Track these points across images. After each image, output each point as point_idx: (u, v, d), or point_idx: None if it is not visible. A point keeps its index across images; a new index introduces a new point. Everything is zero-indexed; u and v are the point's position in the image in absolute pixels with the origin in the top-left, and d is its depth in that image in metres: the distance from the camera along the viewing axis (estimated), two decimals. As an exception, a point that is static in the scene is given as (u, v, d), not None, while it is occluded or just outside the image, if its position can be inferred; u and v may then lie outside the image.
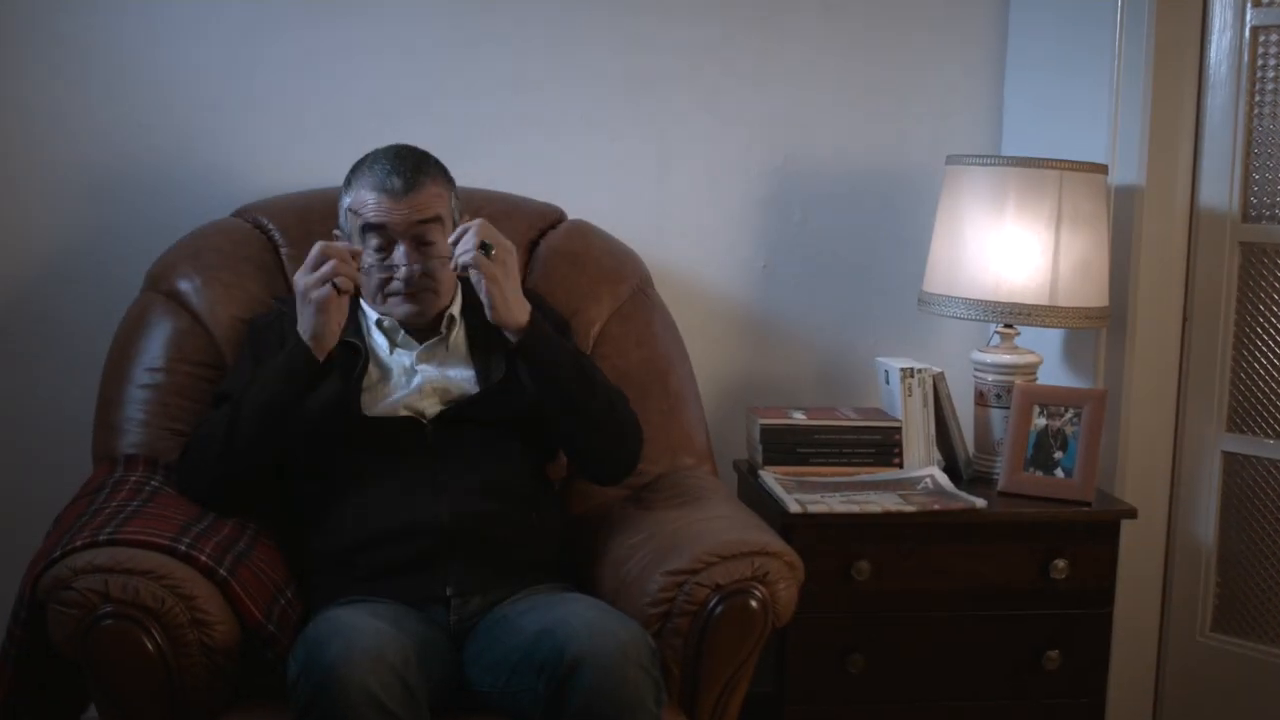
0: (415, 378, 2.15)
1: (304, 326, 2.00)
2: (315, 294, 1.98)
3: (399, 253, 2.09)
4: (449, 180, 2.17)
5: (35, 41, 2.50)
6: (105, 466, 2.19)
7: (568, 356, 2.11)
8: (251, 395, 2.02)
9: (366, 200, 2.10)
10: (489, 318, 2.04)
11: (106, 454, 2.22)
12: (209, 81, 2.57)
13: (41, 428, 2.56)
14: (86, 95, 2.53)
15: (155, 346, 2.27)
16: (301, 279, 2.00)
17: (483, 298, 2.02)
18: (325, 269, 1.97)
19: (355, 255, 2.02)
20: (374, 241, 2.09)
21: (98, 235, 2.56)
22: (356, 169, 2.14)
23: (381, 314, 2.16)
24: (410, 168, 2.10)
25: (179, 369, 2.26)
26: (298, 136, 2.59)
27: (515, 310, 2.04)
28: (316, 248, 2.00)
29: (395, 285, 2.11)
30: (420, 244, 2.10)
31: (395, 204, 2.08)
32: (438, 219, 2.11)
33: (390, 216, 2.08)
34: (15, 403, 2.57)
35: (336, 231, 2.18)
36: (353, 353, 2.11)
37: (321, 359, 2.01)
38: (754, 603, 1.94)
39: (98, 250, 2.56)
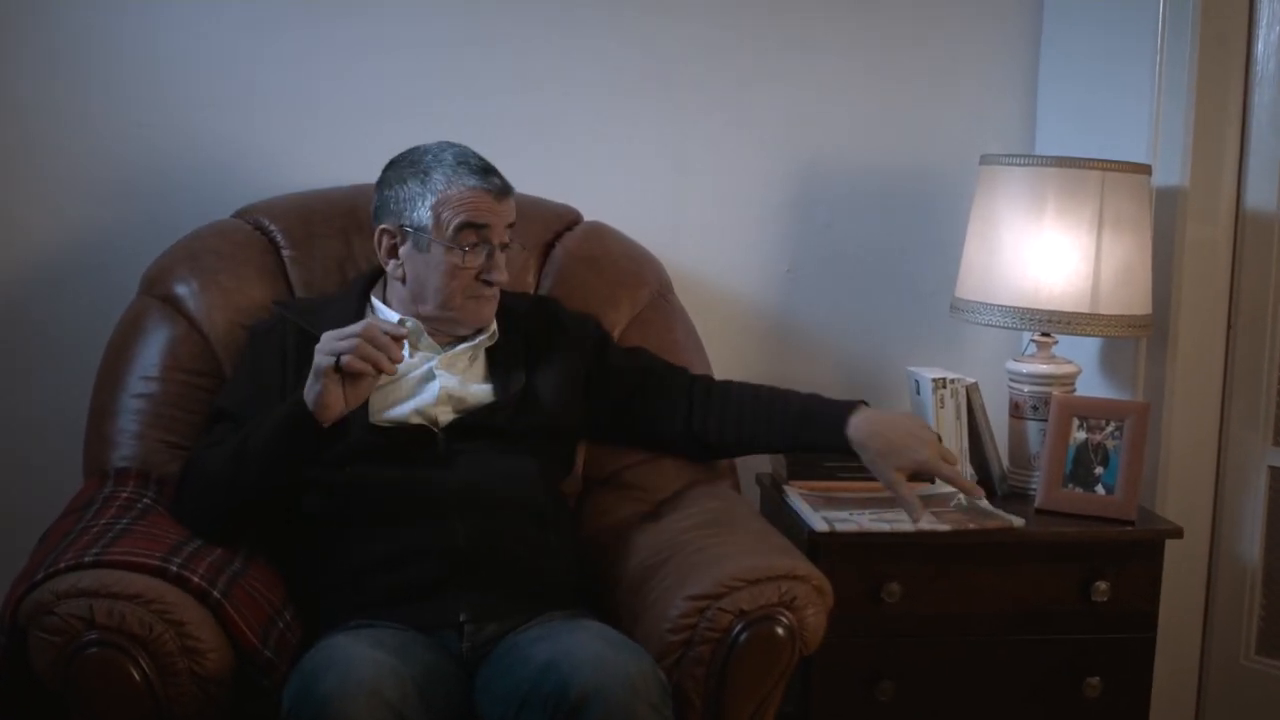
0: (431, 383, 2.06)
1: (306, 388, 1.85)
2: (318, 357, 1.83)
3: (496, 257, 2.04)
4: None
5: (32, 38, 2.44)
6: (95, 480, 2.11)
7: None
8: (255, 445, 1.88)
9: (470, 197, 2.02)
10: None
11: (97, 467, 2.14)
12: (208, 79, 2.49)
13: (35, 437, 2.50)
14: (84, 93, 2.47)
15: (150, 354, 2.19)
16: (325, 337, 1.84)
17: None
18: (344, 343, 1.80)
19: (396, 345, 1.83)
20: (469, 240, 2.02)
21: (93, 236, 2.49)
22: (436, 163, 2.04)
23: (437, 315, 2.05)
24: (498, 173, 2.06)
25: (174, 378, 2.18)
26: (301, 135, 2.51)
27: None
28: (361, 325, 1.83)
29: (479, 288, 2.04)
30: (502, 249, 2.06)
31: (499, 204, 2.04)
32: (513, 225, 2.09)
33: (493, 218, 2.03)
34: (8, 410, 2.51)
35: (386, 228, 2.06)
36: None
37: (325, 425, 1.86)
38: (780, 630, 1.85)
39: (93, 252, 2.48)
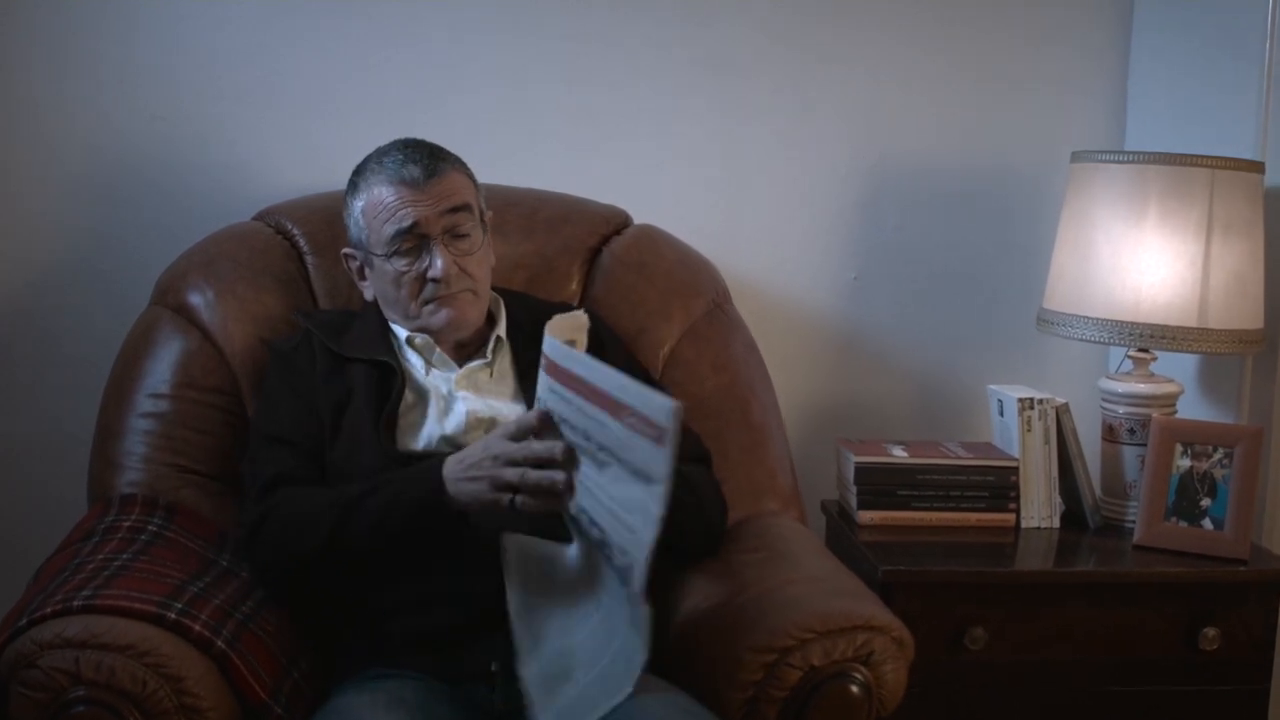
0: (456, 405, 1.90)
1: (464, 494, 1.65)
2: (487, 492, 1.61)
3: (433, 250, 1.88)
4: (470, 171, 1.98)
5: (41, 29, 2.34)
6: (99, 507, 1.96)
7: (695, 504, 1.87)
8: (375, 509, 1.70)
9: (384, 197, 1.89)
10: None
11: (102, 492, 2.00)
12: (228, 69, 2.39)
13: (39, 457, 2.40)
14: (96, 86, 2.37)
15: (161, 369, 2.06)
16: (503, 447, 1.62)
17: None
18: (540, 476, 1.57)
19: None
20: (402, 246, 1.89)
21: (102, 240, 2.39)
22: (362, 169, 1.96)
23: (415, 329, 1.94)
24: (426, 154, 1.92)
25: (186, 395, 2.04)
26: (327, 130, 2.39)
27: None
28: (534, 416, 1.61)
29: (430, 289, 1.89)
30: (453, 238, 1.90)
31: (418, 194, 1.88)
32: (467, 207, 1.91)
33: (416, 210, 1.88)
34: (10, 427, 2.41)
35: (347, 251, 1.98)
36: (387, 373, 1.88)
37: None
38: (855, 689, 1.68)
39: (102, 258, 2.38)
